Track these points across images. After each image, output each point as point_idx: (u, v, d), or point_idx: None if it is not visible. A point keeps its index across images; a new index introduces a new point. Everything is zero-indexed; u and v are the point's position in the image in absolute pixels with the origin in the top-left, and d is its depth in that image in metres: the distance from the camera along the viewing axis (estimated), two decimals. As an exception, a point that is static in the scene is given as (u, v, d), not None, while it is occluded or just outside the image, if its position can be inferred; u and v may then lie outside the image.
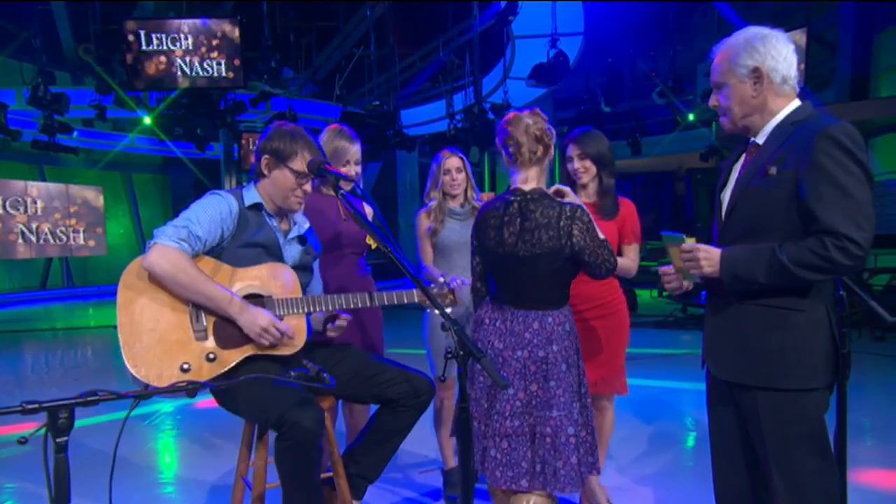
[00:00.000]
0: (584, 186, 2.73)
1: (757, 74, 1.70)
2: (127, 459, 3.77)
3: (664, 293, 11.83)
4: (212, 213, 2.02)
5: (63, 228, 14.75)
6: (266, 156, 2.13)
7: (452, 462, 3.02)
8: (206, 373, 1.93)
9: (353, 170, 2.67)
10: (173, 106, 10.28)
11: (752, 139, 1.79)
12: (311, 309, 2.09)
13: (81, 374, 6.73)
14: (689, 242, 1.74)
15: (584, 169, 2.68)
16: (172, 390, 1.36)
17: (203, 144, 10.93)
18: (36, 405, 1.15)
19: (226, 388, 1.93)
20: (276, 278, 2.10)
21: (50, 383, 6.32)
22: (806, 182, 1.59)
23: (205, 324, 1.98)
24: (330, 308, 2.11)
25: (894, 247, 7.79)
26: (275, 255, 2.14)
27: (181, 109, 10.32)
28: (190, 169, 15.39)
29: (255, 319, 1.96)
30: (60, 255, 15.15)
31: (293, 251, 2.22)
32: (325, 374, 1.66)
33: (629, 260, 2.68)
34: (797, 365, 1.66)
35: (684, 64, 12.16)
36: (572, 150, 2.71)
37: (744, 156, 1.82)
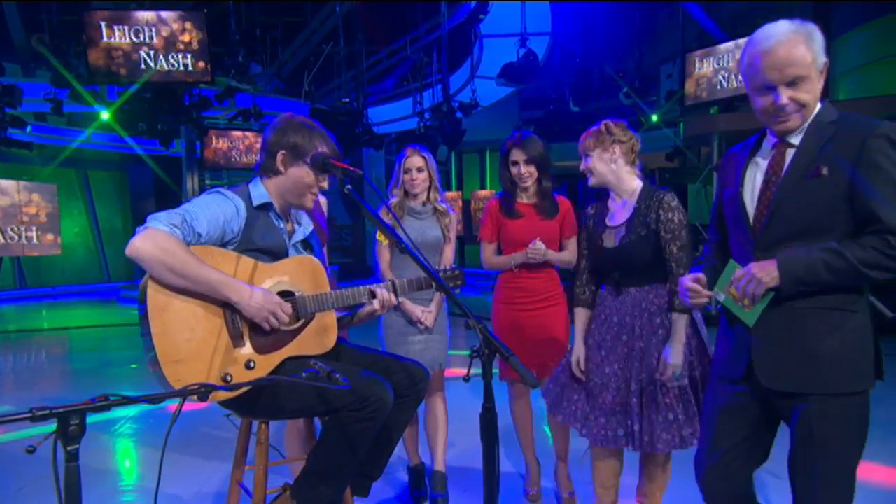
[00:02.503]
0: (526, 189, 2.89)
1: (824, 69, 1.64)
2: (93, 469, 3.59)
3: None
4: (214, 211, 1.86)
5: (14, 227, 14.08)
6: (283, 151, 1.97)
7: (417, 458, 3.12)
8: (245, 381, 1.80)
9: None
10: (134, 101, 9.92)
11: (779, 138, 1.69)
12: (340, 304, 2.00)
13: (40, 378, 6.45)
14: (739, 269, 1.65)
15: (530, 174, 2.84)
16: (184, 394, 1.29)
17: (168, 141, 10.61)
18: (46, 411, 1.08)
19: (256, 387, 1.82)
20: (304, 272, 2.00)
21: (3, 389, 6.04)
22: (862, 182, 1.54)
23: (241, 328, 1.85)
24: (356, 301, 2.03)
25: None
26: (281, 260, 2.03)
27: (143, 104, 9.98)
28: (149, 166, 14.92)
29: (262, 303, 1.81)
30: (11, 254, 14.51)
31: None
32: (336, 375, 1.59)
33: (569, 253, 2.85)
34: (855, 367, 1.61)
35: (649, 65, 12.33)
36: (517, 156, 2.84)
37: (770, 156, 1.71)
